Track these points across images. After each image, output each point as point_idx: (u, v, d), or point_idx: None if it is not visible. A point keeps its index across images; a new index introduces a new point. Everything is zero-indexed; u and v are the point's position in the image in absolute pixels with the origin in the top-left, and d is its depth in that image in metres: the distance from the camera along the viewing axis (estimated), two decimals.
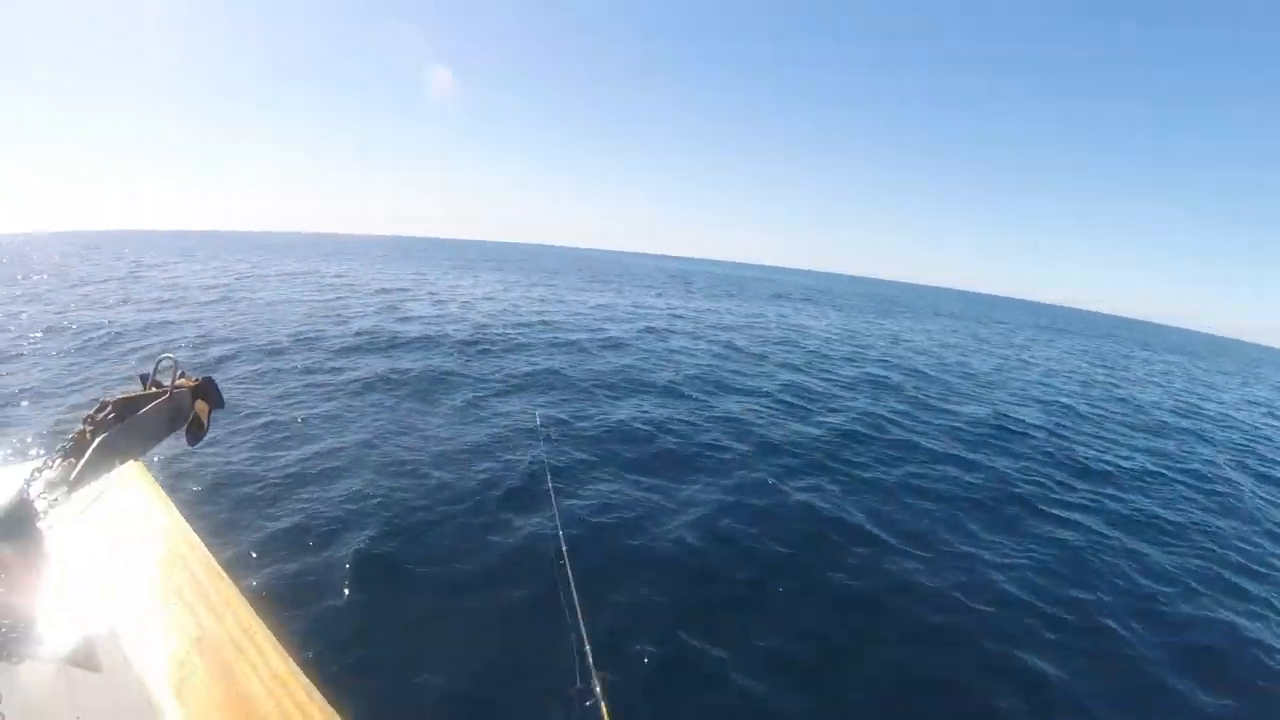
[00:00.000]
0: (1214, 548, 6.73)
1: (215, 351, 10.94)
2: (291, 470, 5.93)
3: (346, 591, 4.18)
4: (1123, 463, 9.54)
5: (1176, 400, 17.61)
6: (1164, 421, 13.64)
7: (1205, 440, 12.39)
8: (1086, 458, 9.48)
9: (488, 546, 4.92)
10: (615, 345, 14.21)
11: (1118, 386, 18.60)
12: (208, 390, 1.39)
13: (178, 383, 1.32)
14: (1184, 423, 13.91)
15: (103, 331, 12.14)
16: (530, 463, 6.40)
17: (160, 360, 1.31)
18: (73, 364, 9.87)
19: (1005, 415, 11.44)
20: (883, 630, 4.51)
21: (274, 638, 1.05)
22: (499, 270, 42.63)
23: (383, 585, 4.32)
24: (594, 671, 2.18)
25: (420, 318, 16.02)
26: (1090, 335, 49.18)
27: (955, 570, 5.36)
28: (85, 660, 0.97)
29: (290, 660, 0.99)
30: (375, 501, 5.43)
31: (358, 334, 12.95)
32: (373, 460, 6.33)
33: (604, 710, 2.01)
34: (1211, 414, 15.84)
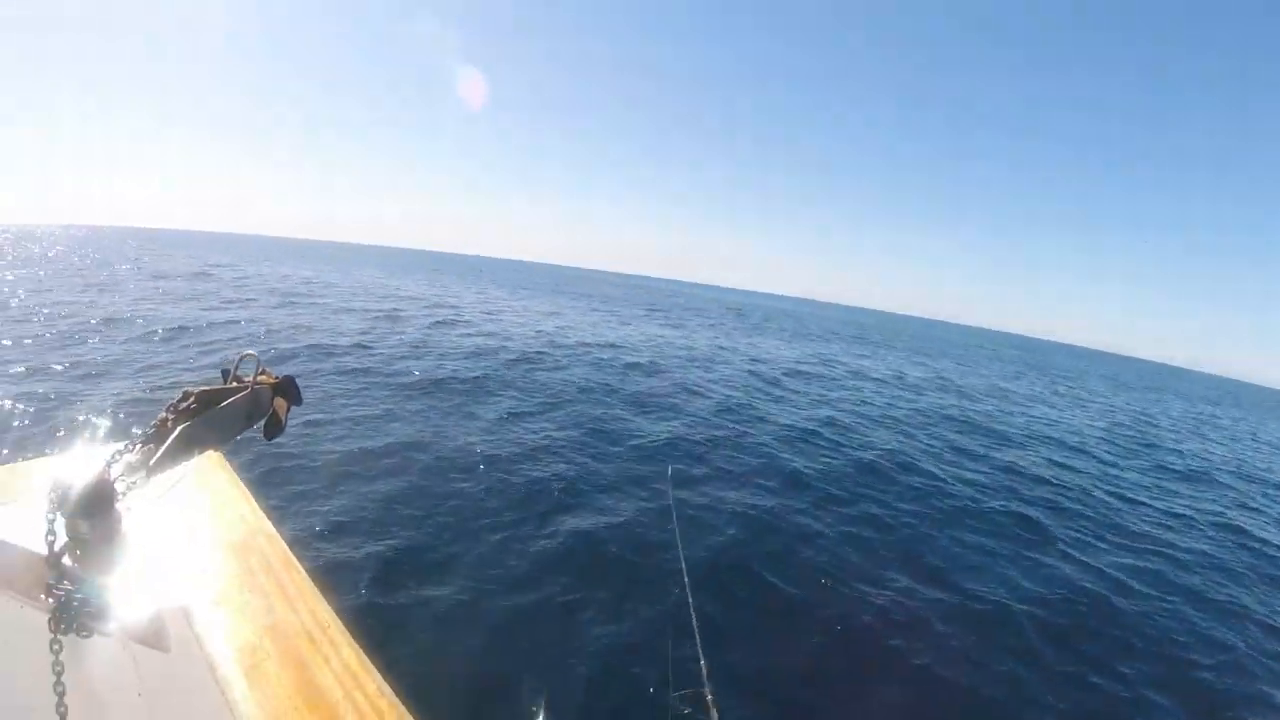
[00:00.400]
0: (1268, 617, 6.30)
1: (279, 348, 11.50)
2: (340, 466, 6.14)
3: (384, 587, 4.30)
4: (1173, 522, 9.01)
5: (1240, 459, 16.71)
6: (1227, 483, 12.84)
7: (1267, 503, 11.66)
8: (1139, 514, 9.02)
9: (522, 551, 5.04)
10: (657, 372, 14.27)
11: (1182, 441, 17.78)
12: (287, 388, 1.43)
13: (258, 379, 1.36)
14: (1246, 485, 13.09)
15: (174, 327, 12.84)
16: (558, 477, 6.54)
17: (242, 356, 1.35)
18: (139, 350, 10.53)
19: (1056, 464, 11.03)
20: (892, 670, 4.42)
21: (348, 633, 1.06)
22: (558, 294, 43.46)
23: (420, 582, 4.43)
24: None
25: (474, 333, 16.43)
26: (1161, 390, 47.13)
27: (981, 620, 5.21)
28: (154, 639, 0.99)
29: (364, 656, 0.99)
30: (419, 501, 5.60)
31: (414, 346, 13.38)
32: (417, 462, 6.52)
33: None
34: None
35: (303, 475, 5.84)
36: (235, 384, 1.33)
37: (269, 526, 1.32)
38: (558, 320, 23.56)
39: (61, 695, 0.94)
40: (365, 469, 6.19)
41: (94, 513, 0.99)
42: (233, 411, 1.27)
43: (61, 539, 0.97)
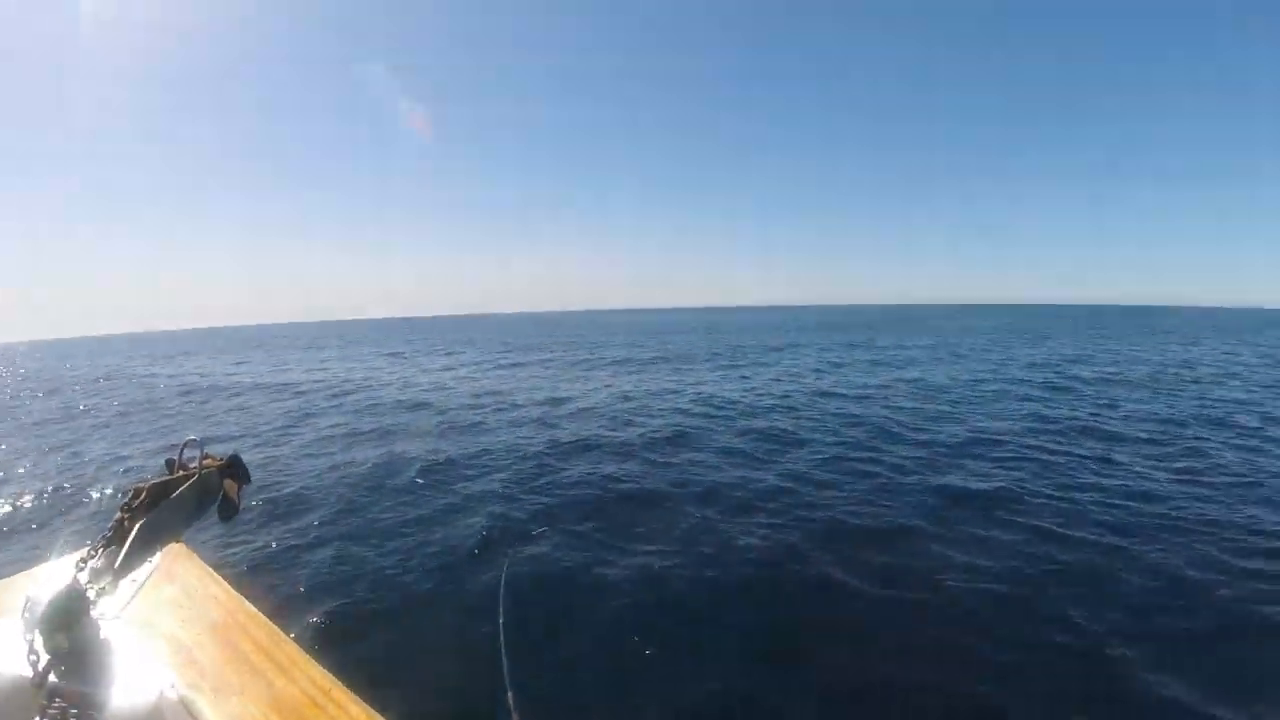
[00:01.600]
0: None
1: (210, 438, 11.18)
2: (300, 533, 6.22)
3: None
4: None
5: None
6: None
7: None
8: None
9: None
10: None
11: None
12: (235, 467, 1.41)
13: (204, 463, 1.35)
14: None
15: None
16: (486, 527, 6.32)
17: (185, 443, 1.34)
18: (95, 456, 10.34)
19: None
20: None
21: (350, 691, 1.06)
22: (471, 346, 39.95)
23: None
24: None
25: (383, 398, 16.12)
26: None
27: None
28: None
29: (370, 710, 1.01)
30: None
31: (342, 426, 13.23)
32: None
33: None
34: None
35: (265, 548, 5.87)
36: (182, 472, 1.32)
37: (249, 606, 1.31)
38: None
39: None
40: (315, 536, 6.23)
41: (70, 625, 0.99)
42: (185, 500, 1.27)
43: (44, 657, 0.96)
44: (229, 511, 1.41)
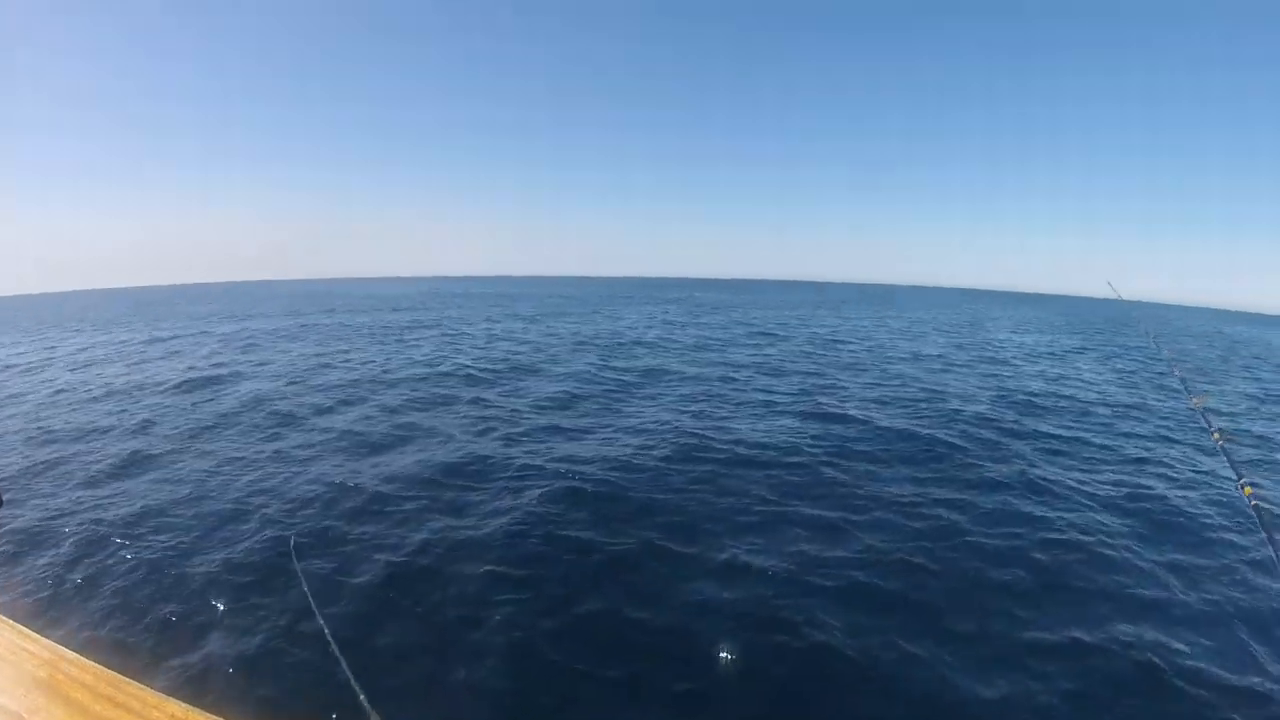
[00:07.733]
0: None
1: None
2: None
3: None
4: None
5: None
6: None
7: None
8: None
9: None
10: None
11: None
12: None
13: None
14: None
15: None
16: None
17: None
18: None
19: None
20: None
21: (210, 714, 0.95)
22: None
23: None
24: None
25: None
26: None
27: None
28: None
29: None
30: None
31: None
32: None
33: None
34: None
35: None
36: None
37: (65, 651, 1.08)
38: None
39: None
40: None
41: None
42: None
43: None
44: None
